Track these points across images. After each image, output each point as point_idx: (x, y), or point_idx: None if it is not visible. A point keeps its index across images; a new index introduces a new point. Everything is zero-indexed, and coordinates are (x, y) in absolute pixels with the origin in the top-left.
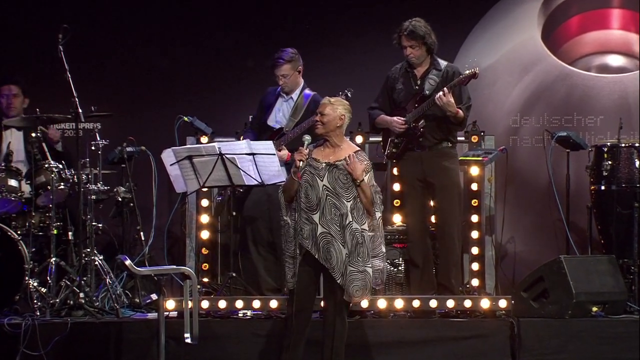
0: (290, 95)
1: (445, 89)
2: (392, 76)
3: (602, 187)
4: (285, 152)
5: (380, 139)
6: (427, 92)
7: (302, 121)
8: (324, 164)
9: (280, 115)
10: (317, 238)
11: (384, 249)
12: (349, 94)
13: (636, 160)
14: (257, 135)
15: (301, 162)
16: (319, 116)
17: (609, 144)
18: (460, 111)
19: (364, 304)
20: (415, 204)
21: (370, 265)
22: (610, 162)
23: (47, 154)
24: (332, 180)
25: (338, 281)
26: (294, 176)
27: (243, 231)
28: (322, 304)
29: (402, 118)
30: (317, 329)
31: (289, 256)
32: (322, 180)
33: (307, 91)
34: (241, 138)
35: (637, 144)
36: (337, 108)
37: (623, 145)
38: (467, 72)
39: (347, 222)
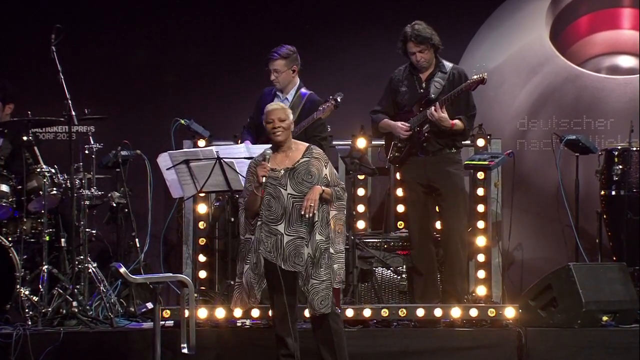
0: (286, 96)
1: (437, 103)
2: (395, 78)
3: (613, 192)
4: None
5: (383, 142)
6: (433, 95)
7: (298, 122)
8: (282, 171)
9: None
10: (283, 249)
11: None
12: (338, 99)
13: None
14: (255, 137)
15: (264, 178)
16: (277, 122)
17: (619, 147)
18: (458, 122)
19: (367, 312)
20: (418, 210)
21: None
22: (621, 167)
23: (39, 157)
24: (295, 185)
25: (299, 284)
26: (257, 192)
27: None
28: (306, 313)
29: (407, 124)
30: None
31: (251, 270)
32: (286, 190)
33: (303, 90)
34: (239, 142)
35: None
36: (289, 113)
37: (634, 149)
38: (475, 77)
39: (315, 223)
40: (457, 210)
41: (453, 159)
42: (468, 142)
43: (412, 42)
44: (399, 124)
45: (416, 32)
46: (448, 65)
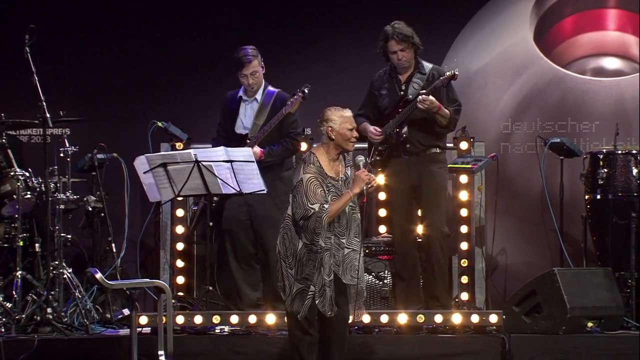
0: (254, 97)
1: (423, 91)
2: (376, 82)
3: (598, 196)
4: (257, 149)
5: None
6: (411, 96)
7: (269, 121)
8: (340, 181)
9: (246, 120)
10: (344, 261)
11: None
12: (306, 91)
13: (633, 168)
14: (226, 144)
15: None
16: (355, 132)
17: (604, 151)
18: (444, 108)
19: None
20: (402, 213)
21: None
22: (606, 170)
23: (13, 161)
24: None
25: (353, 297)
26: (357, 199)
27: (222, 244)
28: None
29: (379, 128)
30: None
31: (325, 283)
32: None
33: (270, 88)
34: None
35: (634, 151)
36: None
37: (619, 152)
38: (447, 73)
39: (358, 230)
40: (439, 211)
41: (437, 159)
42: (451, 144)
43: (394, 40)
44: (371, 128)
45: (397, 30)
46: (427, 66)
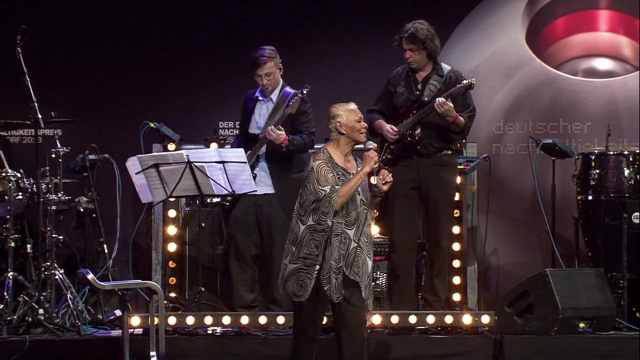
0: (270, 97)
1: (442, 97)
2: (393, 79)
3: (590, 197)
4: (282, 133)
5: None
6: (426, 98)
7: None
8: (352, 175)
9: (260, 120)
10: (348, 254)
11: None
12: (304, 92)
13: (625, 169)
14: (243, 144)
15: (376, 164)
16: (363, 122)
17: (596, 151)
18: (460, 117)
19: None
20: (407, 214)
21: None
22: (597, 171)
23: (5, 161)
24: (364, 191)
25: (363, 295)
26: (375, 182)
27: (227, 241)
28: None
29: (395, 128)
30: None
31: (336, 267)
32: (359, 195)
33: (287, 89)
34: (229, 147)
35: (625, 152)
36: None
37: (611, 153)
38: (465, 81)
39: (369, 231)
40: (444, 217)
41: (448, 162)
42: None
43: (404, 38)
44: (388, 127)
45: (413, 30)
46: (446, 67)
